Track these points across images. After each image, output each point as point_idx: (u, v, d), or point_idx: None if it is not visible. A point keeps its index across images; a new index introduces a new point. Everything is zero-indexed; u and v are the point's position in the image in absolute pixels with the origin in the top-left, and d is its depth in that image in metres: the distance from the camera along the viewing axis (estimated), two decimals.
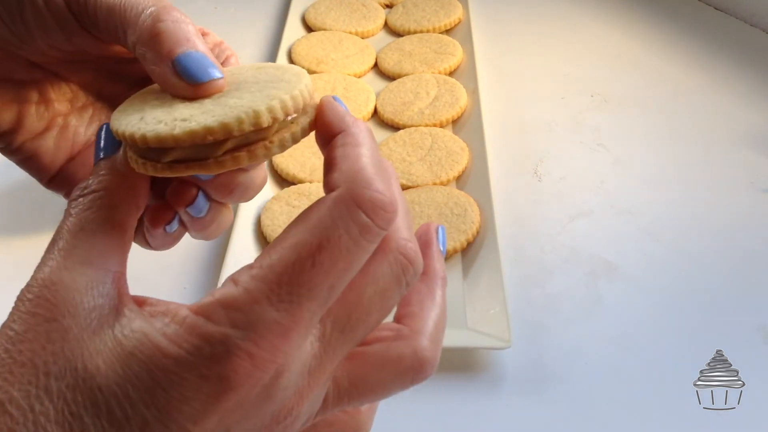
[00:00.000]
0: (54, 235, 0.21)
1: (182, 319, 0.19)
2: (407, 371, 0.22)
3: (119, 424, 0.18)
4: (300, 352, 0.20)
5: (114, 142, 0.23)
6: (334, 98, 0.24)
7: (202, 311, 0.19)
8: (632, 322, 0.51)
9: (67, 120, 0.29)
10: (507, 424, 0.45)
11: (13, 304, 0.20)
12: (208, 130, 0.21)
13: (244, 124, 0.21)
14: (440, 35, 0.79)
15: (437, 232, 0.26)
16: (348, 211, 0.20)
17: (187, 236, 0.29)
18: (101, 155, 0.23)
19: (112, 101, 0.30)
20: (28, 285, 0.20)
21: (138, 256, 0.54)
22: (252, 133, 0.21)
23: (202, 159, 0.21)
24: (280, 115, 0.21)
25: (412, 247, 0.22)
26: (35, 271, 0.20)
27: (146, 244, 0.29)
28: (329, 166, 0.22)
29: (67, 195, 0.29)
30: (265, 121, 0.21)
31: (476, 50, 0.75)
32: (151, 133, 0.21)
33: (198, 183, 0.26)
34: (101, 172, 0.23)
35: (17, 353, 0.18)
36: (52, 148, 0.28)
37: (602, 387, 0.47)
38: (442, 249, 0.26)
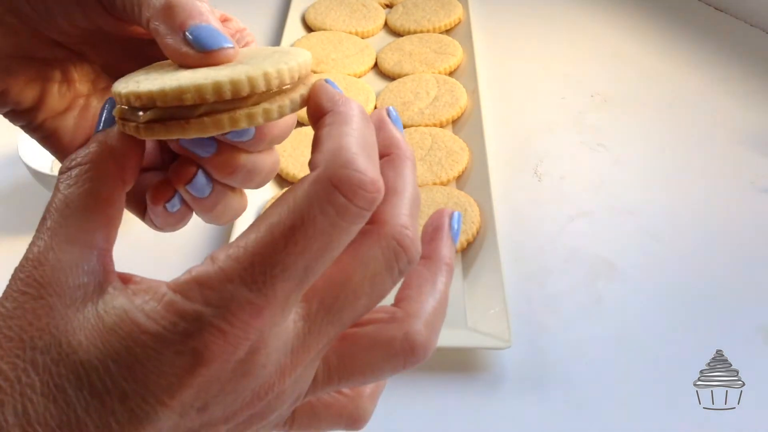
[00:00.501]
0: (44, 212, 0.22)
1: (161, 296, 0.19)
2: (398, 354, 0.22)
3: (100, 397, 0.19)
4: (278, 330, 0.20)
5: (110, 116, 0.24)
6: (327, 81, 0.24)
7: (179, 288, 0.19)
8: (632, 322, 0.51)
9: (89, 101, 0.29)
10: (507, 424, 0.45)
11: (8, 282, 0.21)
12: (181, 90, 0.21)
13: (223, 89, 0.21)
14: (440, 35, 0.79)
15: (450, 218, 0.26)
16: (324, 192, 0.19)
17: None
18: (99, 128, 0.24)
19: None
20: (20, 264, 0.21)
21: (138, 256, 0.55)
22: (231, 102, 0.21)
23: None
24: (261, 87, 0.21)
25: (409, 234, 0.22)
26: (27, 250, 0.21)
27: (152, 224, 0.29)
28: (313, 146, 0.21)
29: None
30: (244, 89, 0.21)
31: (476, 50, 0.75)
32: (133, 91, 0.21)
33: (198, 161, 0.26)
34: (92, 145, 0.23)
35: (6, 329, 0.19)
36: (72, 127, 0.28)
37: (602, 387, 0.47)
38: (455, 236, 0.25)
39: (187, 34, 0.23)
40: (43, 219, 0.22)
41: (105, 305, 0.20)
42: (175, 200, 0.27)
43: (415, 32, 0.80)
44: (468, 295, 0.52)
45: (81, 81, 0.29)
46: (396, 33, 0.82)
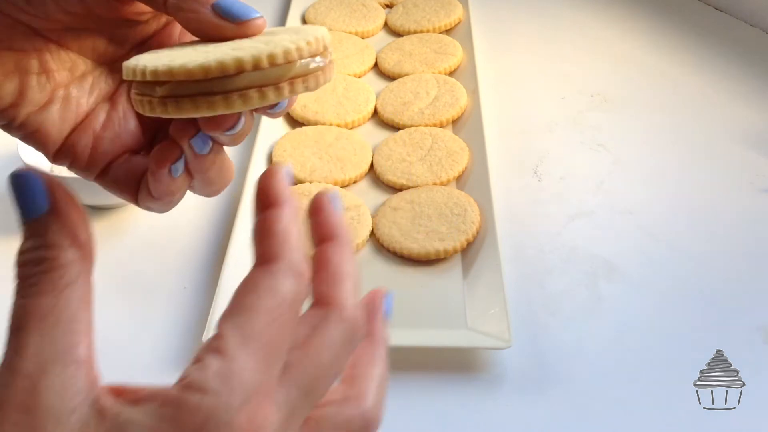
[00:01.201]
0: (16, 321, 0.20)
1: (172, 399, 0.19)
2: None
3: None
4: (271, 419, 0.20)
5: (39, 195, 0.21)
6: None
7: (194, 386, 0.19)
8: (632, 322, 0.51)
9: (69, 91, 0.29)
10: (507, 424, 0.45)
11: None
12: (241, 59, 0.23)
13: (276, 57, 0.23)
14: (440, 35, 0.79)
15: (384, 299, 0.28)
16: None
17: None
18: (29, 215, 0.21)
19: (110, 67, 0.30)
20: (5, 383, 0.19)
21: (138, 256, 0.55)
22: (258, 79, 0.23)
23: (210, 95, 0.23)
24: (280, 60, 0.23)
25: (360, 315, 0.24)
26: (7, 365, 0.19)
27: (150, 197, 0.29)
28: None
29: (71, 165, 0.29)
30: (265, 62, 0.23)
31: (476, 50, 0.75)
32: (163, 67, 0.23)
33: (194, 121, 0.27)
34: (40, 240, 0.20)
35: None
36: (57, 120, 0.28)
37: (602, 387, 0.47)
38: (388, 314, 0.28)
39: (215, 6, 0.24)
40: (19, 330, 0.19)
41: (110, 426, 0.19)
42: (179, 162, 0.28)
43: (415, 32, 0.80)
44: (468, 295, 0.52)
45: (58, 70, 0.28)
46: (396, 33, 0.82)
